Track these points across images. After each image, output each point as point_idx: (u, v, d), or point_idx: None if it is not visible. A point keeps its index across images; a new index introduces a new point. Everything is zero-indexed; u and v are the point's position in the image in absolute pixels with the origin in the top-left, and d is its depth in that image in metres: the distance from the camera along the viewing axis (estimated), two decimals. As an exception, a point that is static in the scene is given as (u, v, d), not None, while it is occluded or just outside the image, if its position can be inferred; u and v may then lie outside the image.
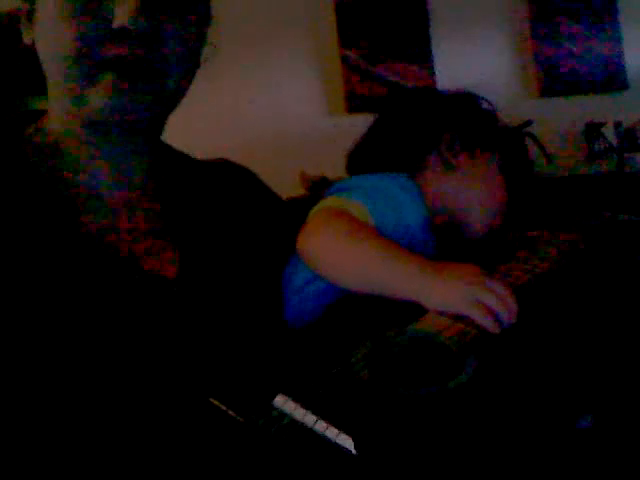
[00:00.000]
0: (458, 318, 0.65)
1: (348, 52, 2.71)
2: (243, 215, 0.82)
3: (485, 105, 0.96)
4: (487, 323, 0.64)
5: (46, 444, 0.55)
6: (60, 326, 0.59)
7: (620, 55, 2.76)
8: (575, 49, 2.77)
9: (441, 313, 0.66)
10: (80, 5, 0.63)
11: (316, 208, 0.83)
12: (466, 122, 0.92)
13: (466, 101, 0.95)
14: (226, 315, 0.70)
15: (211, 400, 0.52)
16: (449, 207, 0.89)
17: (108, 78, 0.64)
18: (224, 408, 0.51)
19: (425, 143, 0.91)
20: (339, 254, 0.75)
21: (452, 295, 0.66)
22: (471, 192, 0.90)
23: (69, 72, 0.64)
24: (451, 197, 0.89)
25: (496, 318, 0.65)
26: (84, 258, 0.64)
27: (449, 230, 0.89)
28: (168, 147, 0.81)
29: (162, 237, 0.71)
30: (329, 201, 0.84)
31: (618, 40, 2.75)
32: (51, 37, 0.65)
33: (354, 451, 0.47)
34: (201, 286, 0.70)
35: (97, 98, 0.64)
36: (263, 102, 2.66)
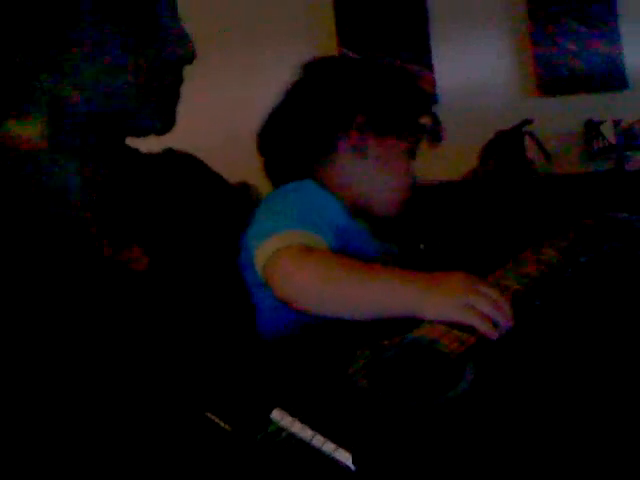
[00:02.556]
0: (455, 327, 0.65)
1: (347, 51, 2.71)
2: (196, 204, 0.82)
3: (409, 74, 0.95)
4: (484, 328, 0.64)
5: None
6: (31, 326, 0.59)
7: (619, 54, 2.75)
8: (574, 48, 2.76)
9: (439, 322, 0.66)
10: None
11: (266, 256, 0.76)
12: (379, 103, 0.91)
13: (384, 74, 0.94)
14: (202, 310, 0.71)
15: (208, 414, 0.52)
16: (356, 190, 0.89)
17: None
18: (217, 421, 0.51)
19: (336, 125, 0.90)
20: (328, 290, 0.72)
21: (446, 304, 0.66)
22: (379, 177, 0.90)
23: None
24: (358, 181, 0.89)
25: (493, 323, 0.65)
26: (48, 257, 0.64)
27: (359, 212, 0.89)
28: (125, 145, 0.82)
29: (129, 234, 0.72)
30: (274, 244, 0.76)
31: (617, 39, 2.75)
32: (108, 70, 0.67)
33: (352, 466, 0.47)
34: (172, 280, 0.71)
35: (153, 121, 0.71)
36: (261, 102, 2.66)
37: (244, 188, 0.95)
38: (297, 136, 0.92)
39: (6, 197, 0.66)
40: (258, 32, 2.64)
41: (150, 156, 0.85)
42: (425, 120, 0.95)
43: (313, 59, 0.98)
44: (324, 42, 2.72)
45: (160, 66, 0.69)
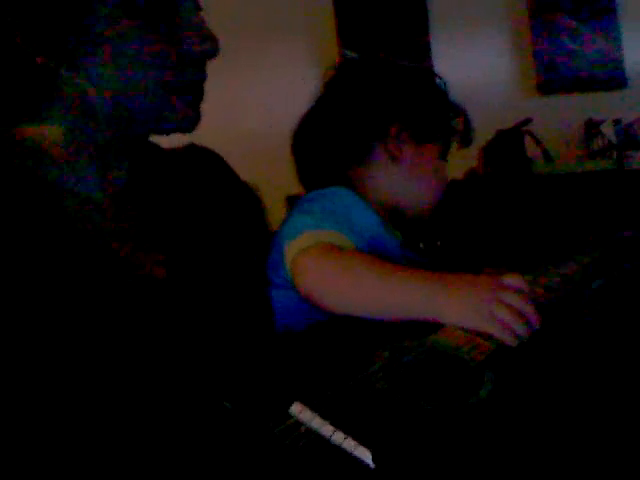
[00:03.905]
0: (475, 332, 0.65)
1: (347, 52, 2.70)
2: (216, 205, 0.82)
3: (438, 81, 0.96)
4: (505, 337, 0.64)
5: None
6: (49, 332, 0.58)
7: (619, 52, 2.75)
8: (574, 47, 2.77)
9: (460, 327, 0.66)
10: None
11: (294, 253, 0.77)
12: (416, 110, 0.92)
13: (418, 79, 0.95)
14: (222, 314, 0.70)
15: (225, 404, 0.52)
16: (390, 194, 0.90)
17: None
18: (234, 411, 0.51)
19: (372, 133, 0.91)
20: (349, 288, 0.72)
21: (467, 311, 0.66)
22: (414, 181, 0.91)
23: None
24: (393, 186, 0.90)
25: (514, 331, 0.64)
26: (70, 262, 0.63)
27: (394, 218, 0.89)
28: (149, 143, 0.81)
29: (149, 237, 0.71)
30: (304, 241, 0.78)
31: (617, 37, 2.75)
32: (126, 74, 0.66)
33: (372, 464, 0.46)
34: (191, 286, 0.70)
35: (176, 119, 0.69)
36: (262, 102, 2.65)
37: (255, 188, 0.94)
38: (333, 141, 0.92)
39: (21, 197, 0.65)
40: (258, 32, 2.63)
41: (171, 153, 0.84)
42: (458, 123, 0.96)
43: (348, 60, 0.99)
44: (324, 42, 2.72)
45: (182, 61, 0.68)
